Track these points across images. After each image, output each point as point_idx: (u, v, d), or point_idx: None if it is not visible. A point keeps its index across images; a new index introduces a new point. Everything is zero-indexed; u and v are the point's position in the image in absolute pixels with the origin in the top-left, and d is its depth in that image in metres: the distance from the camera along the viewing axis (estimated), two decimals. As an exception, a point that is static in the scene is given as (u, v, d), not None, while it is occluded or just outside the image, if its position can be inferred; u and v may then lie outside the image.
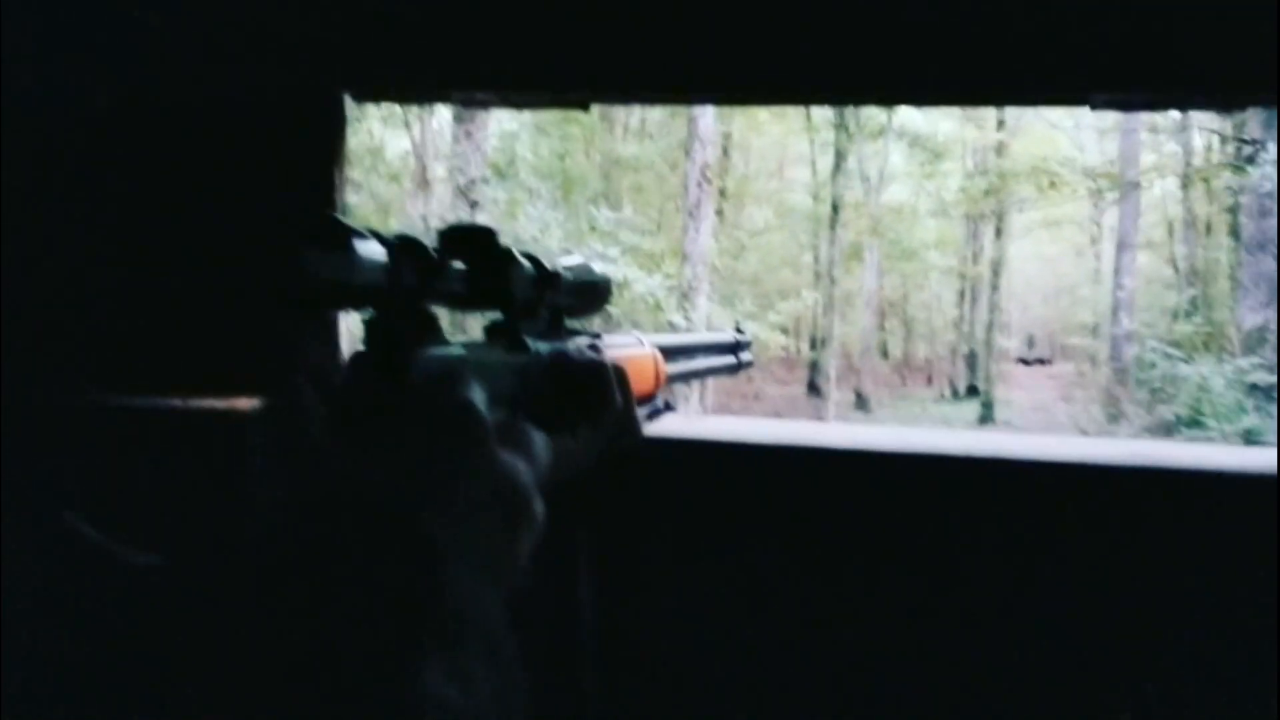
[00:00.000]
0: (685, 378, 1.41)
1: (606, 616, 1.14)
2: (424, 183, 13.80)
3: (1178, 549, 1.15)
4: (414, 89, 1.37)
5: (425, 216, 12.92)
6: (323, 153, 1.33)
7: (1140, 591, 1.16)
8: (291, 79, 1.33)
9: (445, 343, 0.82)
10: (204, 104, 1.35)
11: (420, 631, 0.47)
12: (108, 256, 1.36)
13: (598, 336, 1.11)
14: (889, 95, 1.31)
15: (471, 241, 0.87)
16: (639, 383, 1.19)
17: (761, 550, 1.23)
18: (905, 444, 1.23)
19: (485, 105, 1.35)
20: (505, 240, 0.89)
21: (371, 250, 0.69)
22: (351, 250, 0.67)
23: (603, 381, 0.99)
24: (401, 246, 0.74)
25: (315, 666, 0.44)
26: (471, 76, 1.31)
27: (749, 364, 1.66)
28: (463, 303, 0.87)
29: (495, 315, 0.97)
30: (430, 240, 0.83)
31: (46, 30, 1.36)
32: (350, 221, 0.69)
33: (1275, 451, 1.16)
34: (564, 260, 1.05)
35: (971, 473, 1.20)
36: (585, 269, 1.08)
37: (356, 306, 0.73)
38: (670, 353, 1.30)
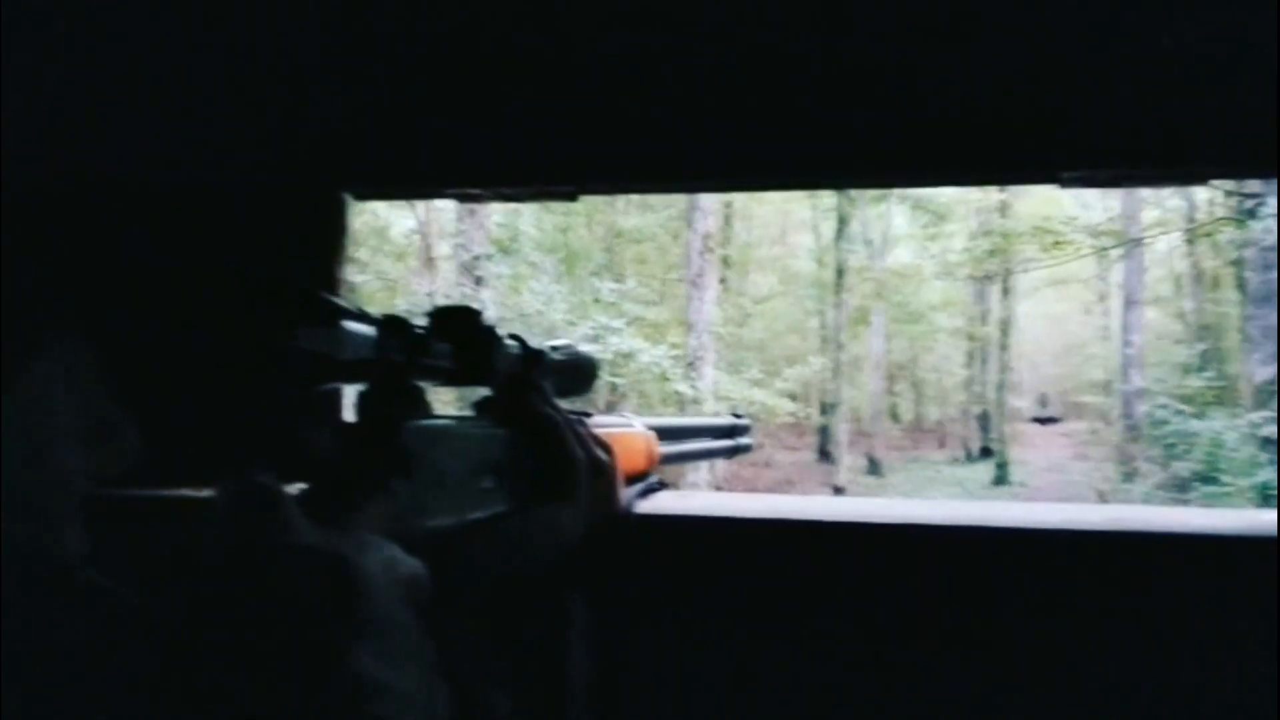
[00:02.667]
0: (680, 459, 1.43)
1: (599, 688, 1.15)
2: (429, 261, 13.91)
3: (1180, 613, 1.16)
4: (410, 187, 1.41)
5: (431, 294, 13.01)
6: (325, 249, 1.37)
7: (1143, 655, 1.16)
8: (295, 180, 1.38)
9: (432, 416, 0.86)
10: (209, 204, 1.40)
11: (350, 621, 0.54)
12: (107, 349, 1.39)
13: (587, 415, 1.14)
14: (864, 178, 1.35)
15: (457, 321, 0.91)
16: (630, 460, 1.21)
17: (753, 623, 1.24)
18: (894, 516, 1.24)
19: (478, 200, 1.40)
20: (502, 317, 0.93)
21: (359, 326, 0.73)
22: (339, 326, 0.71)
23: (559, 435, 1.01)
24: (389, 324, 0.78)
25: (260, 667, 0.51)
26: (463, 174, 1.35)
27: (748, 448, 1.67)
28: (450, 378, 0.91)
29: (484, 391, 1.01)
30: (420, 321, 0.86)
31: (56, 122, 1.41)
32: (340, 300, 0.72)
33: (1275, 514, 1.17)
34: (551, 342, 1.08)
35: (962, 542, 1.21)
36: (572, 350, 1.11)
37: (345, 380, 0.76)
38: (664, 434, 1.33)
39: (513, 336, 1.00)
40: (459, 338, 0.90)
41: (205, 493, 1.34)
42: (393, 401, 0.82)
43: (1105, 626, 1.17)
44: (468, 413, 1.01)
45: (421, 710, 0.54)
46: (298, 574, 0.55)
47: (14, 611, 0.55)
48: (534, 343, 1.04)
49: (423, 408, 0.85)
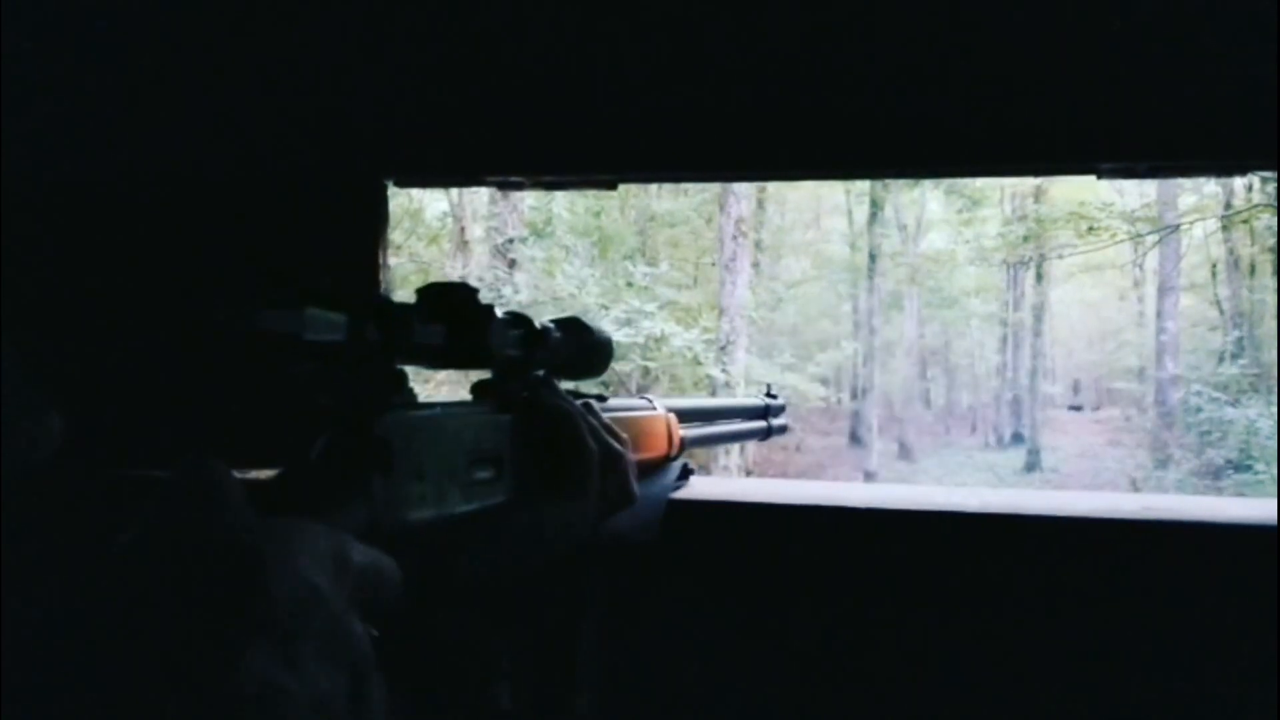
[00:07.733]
0: (709, 442, 1.39)
1: (617, 674, 1.16)
2: (462, 243, 13.95)
3: (1183, 601, 1.16)
4: (451, 174, 1.43)
5: (465, 277, 13.03)
6: (366, 236, 1.39)
7: (1147, 643, 1.17)
8: (336, 167, 1.40)
9: (414, 401, 0.81)
10: (251, 192, 1.42)
11: (245, 618, 0.50)
12: (145, 340, 1.41)
13: (601, 399, 1.10)
14: (904, 169, 1.36)
15: (449, 299, 0.86)
16: (649, 445, 1.17)
17: (779, 609, 1.25)
18: (921, 502, 1.25)
19: (519, 188, 1.41)
20: (536, 300, 0.89)
21: (325, 307, 0.69)
22: (303, 307, 0.67)
23: (571, 428, 0.95)
24: (365, 304, 0.74)
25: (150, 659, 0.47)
26: (504, 161, 1.37)
27: (782, 430, 1.59)
28: (441, 360, 0.86)
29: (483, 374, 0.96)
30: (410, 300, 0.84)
31: (96, 112, 1.43)
32: (312, 282, 0.69)
33: (1276, 503, 1.18)
34: (556, 318, 1.03)
35: (984, 528, 1.22)
36: (580, 326, 1.05)
37: (315, 362, 0.73)
38: (689, 415, 1.28)
39: (513, 315, 0.95)
40: (451, 318, 0.85)
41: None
42: (367, 387, 0.77)
43: (1139, 616, 1.17)
44: (465, 397, 0.95)
45: (334, 714, 0.51)
46: (198, 566, 0.51)
47: None
48: (537, 323, 0.98)
49: (405, 393, 0.80)
